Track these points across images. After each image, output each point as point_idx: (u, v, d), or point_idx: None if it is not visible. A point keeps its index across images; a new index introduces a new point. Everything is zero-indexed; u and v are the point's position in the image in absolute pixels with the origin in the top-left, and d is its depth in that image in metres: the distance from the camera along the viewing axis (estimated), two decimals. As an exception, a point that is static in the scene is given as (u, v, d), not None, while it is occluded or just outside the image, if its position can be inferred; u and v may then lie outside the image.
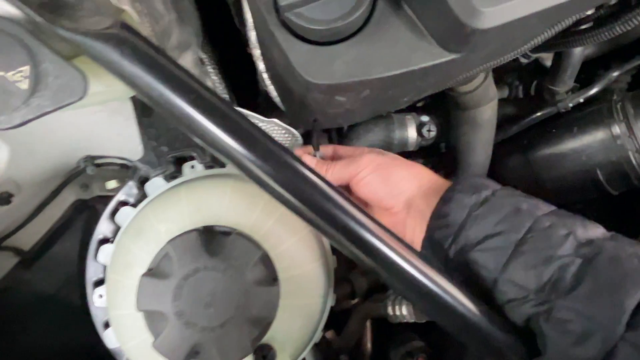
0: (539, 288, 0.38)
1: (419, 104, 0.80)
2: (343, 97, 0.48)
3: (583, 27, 0.56)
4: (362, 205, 0.51)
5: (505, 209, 0.43)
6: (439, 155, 0.78)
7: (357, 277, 0.75)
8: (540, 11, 0.41)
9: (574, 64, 0.64)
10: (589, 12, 0.56)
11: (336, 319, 0.80)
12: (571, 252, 0.38)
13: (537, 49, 0.62)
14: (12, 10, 0.32)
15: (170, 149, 0.47)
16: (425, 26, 0.44)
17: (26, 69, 0.32)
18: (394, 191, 0.49)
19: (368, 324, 0.69)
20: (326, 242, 0.49)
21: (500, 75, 0.78)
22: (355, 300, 0.75)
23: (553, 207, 0.45)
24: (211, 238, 0.37)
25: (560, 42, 0.57)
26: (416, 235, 0.48)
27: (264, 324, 0.37)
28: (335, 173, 0.50)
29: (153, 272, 0.37)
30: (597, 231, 0.41)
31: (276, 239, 0.42)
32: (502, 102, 0.77)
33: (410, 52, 0.44)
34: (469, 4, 0.38)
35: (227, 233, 0.38)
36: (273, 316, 0.38)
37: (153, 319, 0.37)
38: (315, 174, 0.36)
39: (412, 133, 0.71)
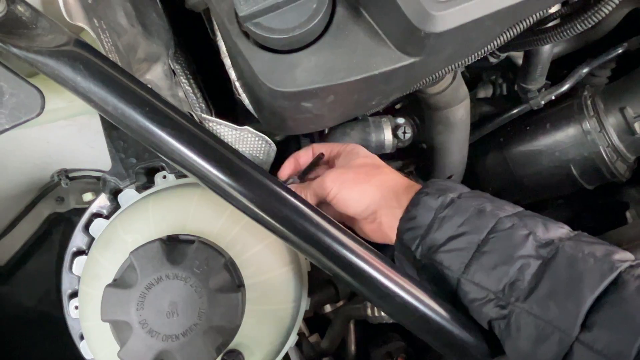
0: (499, 289, 0.39)
1: (397, 106, 0.81)
2: (308, 104, 0.49)
3: (548, 25, 0.57)
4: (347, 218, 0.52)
5: (469, 211, 0.44)
6: (420, 155, 0.79)
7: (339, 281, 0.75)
8: (493, 13, 0.41)
9: (544, 61, 0.64)
10: (553, 10, 0.57)
11: (321, 322, 0.81)
12: (531, 252, 0.39)
13: (505, 48, 0.63)
14: (-32, 31, 0.32)
15: (139, 160, 0.48)
16: (384, 31, 0.44)
17: (-19, 85, 0.33)
18: (362, 205, 0.50)
19: (351, 325, 0.69)
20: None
21: (475, 74, 0.79)
22: (340, 303, 0.76)
23: (519, 209, 0.46)
24: (174, 247, 0.38)
25: (527, 40, 0.58)
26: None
27: (228, 330, 0.38)
28: (309, 198, 0.52)
29: (117, 283, 0.38)
30: (558, 231, 0.41)
31: (242, 246, 0.42)
32: (477, 101, 0.78)
33: (370, 57, 0.45)
34: (421, 8, 0.39)
35: (190, 241, 0.39)
36: (238, 322, 0.38)
37: (118, 328, 0.37)
38: (275, 183, 0.37)
39: (388, 135, 0.71)
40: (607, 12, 0.50)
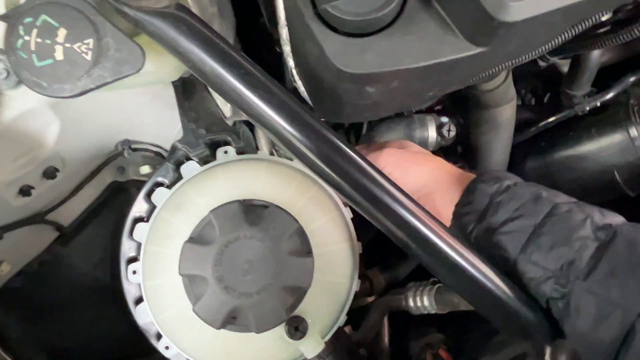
0: (557, 268, 0.39)
1: (438, 107, 0.82)
2: (372, 88, 0.51)
3: (601, 30, 0.58)
4: None
5: (525, 197, 0.45)
6: (457, 157, 0.80)
7: (376, 274, 0.76)
8: (564, 7, 0.43)
9: (592, 67, 0.66)
10: (606, 17, 0.59)
11: (353, 315, 0.81)
12: (589, 234, 0.40)
13: (558, 51, 0.65)
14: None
15: (208, 132, 0.50)
16: (453, 21, 0.46)
17: (90, 41, 0.35)
18: (413, 186, 0.51)
19: (385, 319, 0.70)
20: (352, 227, 0.51)
21: (519, 79, 0.80)
22: (372, 298, 0.76)
23: (573, 199, 0.47)
24: (250, 209, 0.39)
25: (580, 44, 0.60)
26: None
27: (298, 293, 0.39)
28: None
29: (195, 240, 0.39)
30: (615, 218, 0.42)
31: (309, 216, 0.44)
32: (519, 106, 0.79)
33: (439, 45, 0.46)
34: (498, -2, 0.41)
35: (265, 206, 0.40)
36: (307, 286, 0.39)
37: (194, 283, 0.38)
38: (351, 149, 0.39)
39: (432, 133, 0.73)
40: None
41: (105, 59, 0.35)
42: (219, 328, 0.39)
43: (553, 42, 0.53)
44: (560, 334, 0.40)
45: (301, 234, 0.41)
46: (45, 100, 0.44)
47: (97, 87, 0.36)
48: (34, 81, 0.35)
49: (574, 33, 0.53)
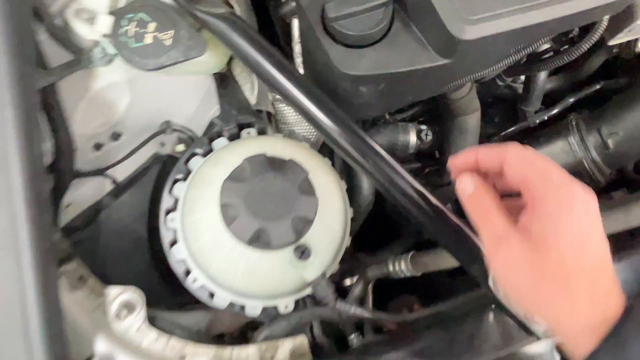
0: None
1: (420, 119, 0.98)
2: (365, 88, 0.66)
3: (545, 56, 0.76)
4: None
5: None
6: (434, 161, 0.96)
7: (363, 257, 0.89)
8: (506, 32, 0.59)
9: (539, 88, 0.83)
10: (544, 47, 0.76)
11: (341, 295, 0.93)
12: None
13: (511, 72, 0.82)
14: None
15: (239, 113, 0.64)
16: (426, 39, 0.62)
17: (171, 32, 0.50)
18: (550, 321, 0.39)
19: (369, 287, 0.82)
20: (346, 196, 0.65)
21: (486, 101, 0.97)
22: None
23: None
24: (273, 160, 0.53)
25: (528, 67, 0.77)
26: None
27: (305, 222, 0.52)
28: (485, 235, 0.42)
29: (232, 178, 0.53)
30: None
31: (314, 174, 0.58)
32: (485, 121, 0.96)
33: (415, 57, 0.62)
34: (457, 20, 0.57)
35: (284, 160, 0.54)
36: (312, 218, 0.53)
37: (230, 210, 0.51)
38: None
39: (413, 137, 0.88)
40: (585, 49, 0.69)
41: (179, 45, 0.50)
42: (247, 243, 0.51)
43: (503, 62, 0.70)
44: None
45: (309, 182, 0.55)
46: (125, 76, 0.58)
47: (171, 65, 0.50)
48: (129, 57, 0.50)
49: (520, 56, 0.69)
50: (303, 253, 0.53)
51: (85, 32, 0.52)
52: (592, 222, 0.39)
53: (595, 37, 0.68)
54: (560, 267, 0.37)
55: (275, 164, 0.53)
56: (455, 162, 0.47)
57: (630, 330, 0.35)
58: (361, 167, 0.54)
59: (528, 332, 0.55)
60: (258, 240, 0.50)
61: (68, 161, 0.57)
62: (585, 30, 0.71)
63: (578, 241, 0.38)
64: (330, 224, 0.59)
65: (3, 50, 0.42)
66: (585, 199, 0.40)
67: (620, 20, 0.70)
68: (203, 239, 0.55)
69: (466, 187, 0.44)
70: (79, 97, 0.57)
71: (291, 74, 0.52)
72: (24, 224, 0.44)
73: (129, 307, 0.52)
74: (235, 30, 0.49)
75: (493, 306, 0.56)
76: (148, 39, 0.50)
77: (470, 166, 0.45)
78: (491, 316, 0.57)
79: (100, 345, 0.50)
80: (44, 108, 0.53)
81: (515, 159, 0.42)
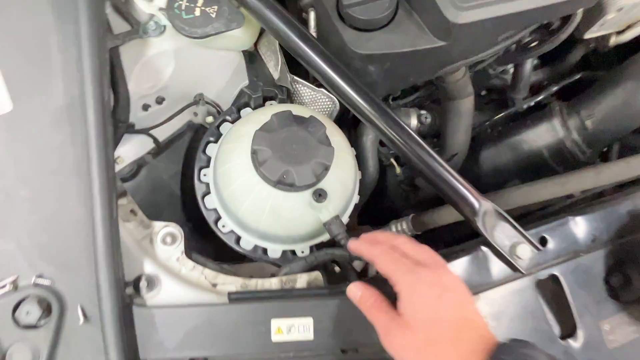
0: None
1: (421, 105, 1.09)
2: (373, 67, 0.77)
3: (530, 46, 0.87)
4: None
5: None
6: (432, 144, 1.05)
7: (367, 229, 0.98)
8: (495, 17, 0.70)
9: (526, 76, 0.94)
10: (530, 38, 0.87)
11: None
12: None
13: (502, 60, 0.93)
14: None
15: (264, 85, 0.75)
16: (426, 24, 0.73)
17: (216, 7, 0.61)
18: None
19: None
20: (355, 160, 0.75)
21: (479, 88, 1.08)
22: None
23: None
24: (297, 116, 0.64)
25: (517, 55, 0.87)
26: None
27: (324, 167, 0.62)
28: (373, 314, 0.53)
29: (263, 129, 0.63)
30: None
31: (330, 132, 0.67)
32: (478, 109, 1.06)
33: (416, 39, 0.73)
34: (452, 8, 0.68)
35: (306, 117, 0.65)
36: (329, 164, 0.62)
37: (261, 154, 0.61)
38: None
39: (414, 120, 0.99)
40: (562, 38, 0.80)
41: (222, 17, 0.61)
42: (274, 184, 0.61)
43: (493, 49, 0.80)
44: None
45: (327, 135, 0.65)
46: (173, 46, 0.69)
47: (215, 34, 0.61)
48: (181, 26, 0.60)
49: (508, 43, 0.80)
50: (320, 195, 0.62)
51: (144, 6, 0.63)
52: (439, 294, 0.49)
53: (570, 28, 0.79)
54: (426, 337, 0.48)
55: (299, 119, 0.63)
56: (351, 247, 0.61)
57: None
58: (373, 126, 0.64)
59: (511, 266, 0.65)
60: (283, 181, 0.60)
61: (125, 113, 0.67)
62: (565, 24, 0.83)
63: (428, 314, 0.49)
64: (343, 176, 0.68)
65: (87, 15, 0.53)
66: (429, 278, 0.50)
67: (592, 15, 0.81)
68: (235, 184, 0.65)
69: (355, 293, 0.56)
70: (135, 61, 0.67)
71: (315, 45, 0.62)
72: (95, 155, 0.54)
73: (172, 237, 0.62)
74: (268, 7, 0.60)
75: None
76: (197, 12, 0.61)
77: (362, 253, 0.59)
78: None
79: (148, 267, 0.59)
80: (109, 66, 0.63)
81: (378, 260, 0.54)
